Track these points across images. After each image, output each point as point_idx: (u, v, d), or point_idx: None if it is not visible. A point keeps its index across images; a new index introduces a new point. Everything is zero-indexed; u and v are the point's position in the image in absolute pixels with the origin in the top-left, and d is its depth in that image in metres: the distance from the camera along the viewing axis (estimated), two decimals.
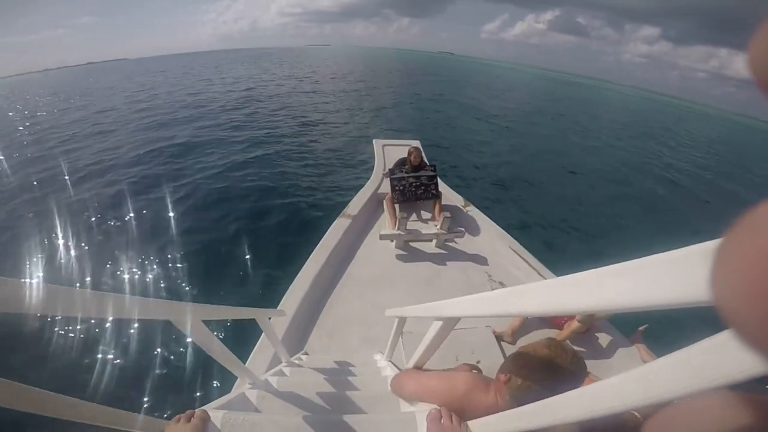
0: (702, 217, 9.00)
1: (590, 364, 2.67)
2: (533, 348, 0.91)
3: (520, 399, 0.86)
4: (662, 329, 2.85)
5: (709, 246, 0.23)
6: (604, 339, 2.79)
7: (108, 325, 3.95)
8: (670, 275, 0.26)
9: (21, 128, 15.63)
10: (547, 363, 0.85)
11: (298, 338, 2.75)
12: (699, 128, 41.32)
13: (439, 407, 0.91)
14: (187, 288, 4.75)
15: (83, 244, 5.70)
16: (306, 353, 2.57)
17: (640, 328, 2.78)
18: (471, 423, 0.76)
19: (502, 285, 3.43)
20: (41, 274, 5.14)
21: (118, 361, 3.68)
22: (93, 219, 6.49)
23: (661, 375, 0.30)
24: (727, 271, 0.14)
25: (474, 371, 1.24)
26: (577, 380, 0.84)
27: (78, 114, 18.59)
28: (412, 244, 3.88)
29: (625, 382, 0.34)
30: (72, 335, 3.89)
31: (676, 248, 0.26)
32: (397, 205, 4.16)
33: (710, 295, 0.16)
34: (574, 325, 2.61)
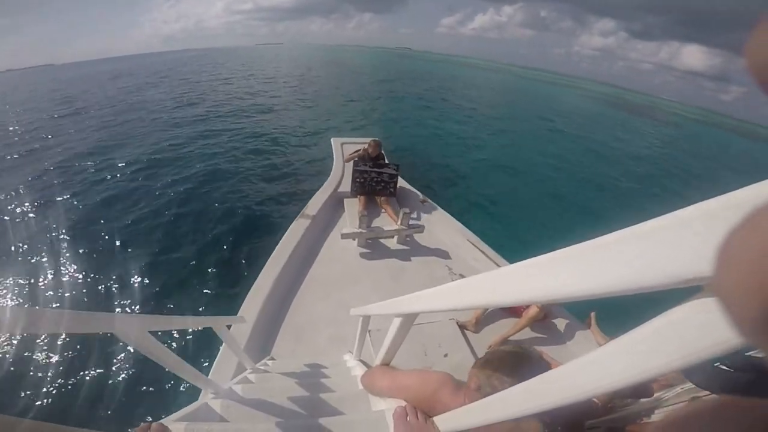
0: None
1: (551, 349, 2.78)
2: (499, 355, 0.82)
3: None
4: (608, 311, 3.02)
5: (648, 228, 0.23)
6: (561, 324, 2.92)
7: (47, 340, 3.66)
8: (615, 258, 0.26)
9: None
10: (513, 369, 0.76)
11: (262, 344, 2.65)
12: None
13: (405, 405, 0.90)
14: (138, 299, 4.45)
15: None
16: (272, 358, 2.49)
17: (592, 312, 2.94)
18: (437, 417, 0.77)
19: (462, 277, 3.51)
20: None
21: (65, 379, 3.38)
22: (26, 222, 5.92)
23: (617, 358, 0.30)
24: (733, 256, 0.14)
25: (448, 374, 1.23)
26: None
27: None
28: (373, 241, 3.89)
29: (585, 367, 0.34)
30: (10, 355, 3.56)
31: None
32: (360, 199, 4.24)
33: (710, 276, 0.15)
34: (532, 311, 2.70)
